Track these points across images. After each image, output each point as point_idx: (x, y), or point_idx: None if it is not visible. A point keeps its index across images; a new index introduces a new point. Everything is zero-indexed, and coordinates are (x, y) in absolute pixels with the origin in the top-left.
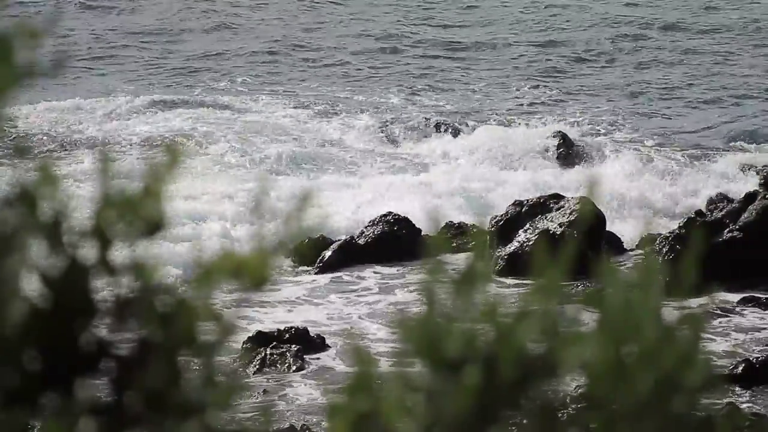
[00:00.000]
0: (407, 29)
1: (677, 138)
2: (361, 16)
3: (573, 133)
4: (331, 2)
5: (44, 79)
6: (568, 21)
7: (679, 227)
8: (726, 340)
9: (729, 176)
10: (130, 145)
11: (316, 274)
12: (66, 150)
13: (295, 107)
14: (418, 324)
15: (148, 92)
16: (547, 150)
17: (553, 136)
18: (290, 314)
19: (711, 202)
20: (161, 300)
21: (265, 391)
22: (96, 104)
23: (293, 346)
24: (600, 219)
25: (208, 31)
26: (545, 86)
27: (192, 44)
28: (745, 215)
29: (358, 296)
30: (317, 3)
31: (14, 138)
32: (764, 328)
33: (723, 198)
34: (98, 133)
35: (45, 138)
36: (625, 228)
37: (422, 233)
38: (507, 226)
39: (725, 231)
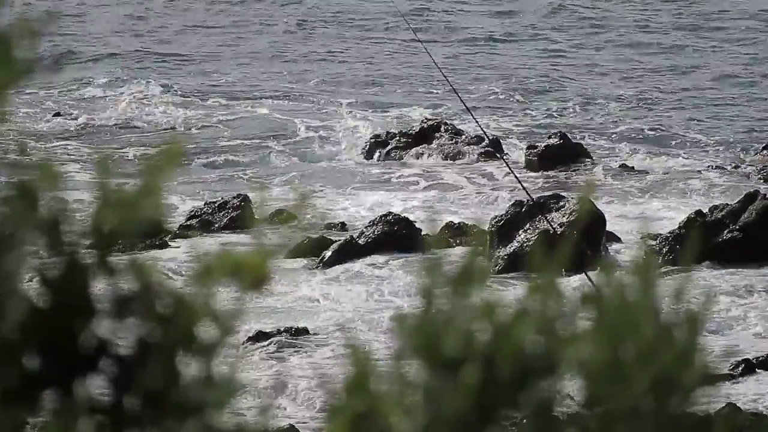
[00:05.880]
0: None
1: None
2: None
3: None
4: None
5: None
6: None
7: (679, 227)
8: (725, 340)
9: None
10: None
11: (316, 273)
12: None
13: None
14: (416, 323)
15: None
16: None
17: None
18: (290, 314)
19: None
20: (160, 300)
21: (264, 391)
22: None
23: (293, 346)
24: (600, 218)
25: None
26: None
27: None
28: (745, 215)
29: (358, 296)
30: None
31: (16, 135)
32: (764, 328)
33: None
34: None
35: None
36: (626, 228)
37: (422, 233)
38: (507, 226)
39: (725, 231)
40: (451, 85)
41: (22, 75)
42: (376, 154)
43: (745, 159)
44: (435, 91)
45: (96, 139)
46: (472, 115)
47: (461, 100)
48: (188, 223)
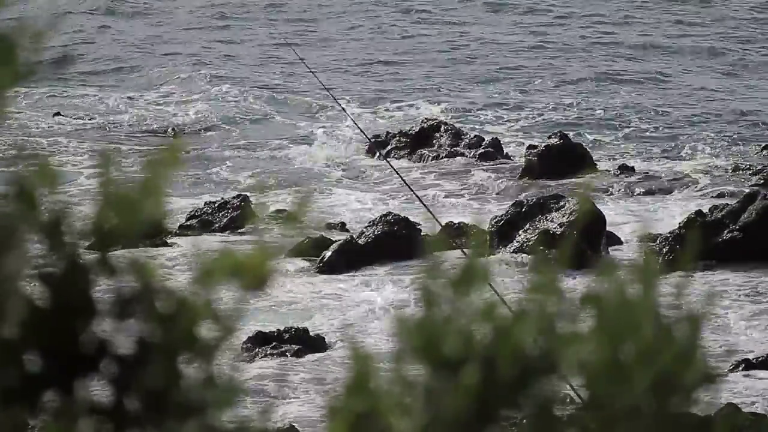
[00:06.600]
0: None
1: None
2: None
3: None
4: None
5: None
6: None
7: (679, 227)
8: (725, 340)
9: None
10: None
11: (316, 273)
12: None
13: None
14: (416, 323)
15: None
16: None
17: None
18: (290, 314)
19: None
20: (161, 300)
21: (264, 391)
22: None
23: (293, 346)
24: (600, 219)
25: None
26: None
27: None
28: (745, 215)
29: (358, 296)
30: None
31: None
32: (764, 328)
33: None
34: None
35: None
36: (626, 228)
37: (422, 233)
38: (507, 226)
39: (725, 231)
40: (324, 87)
41: (25, 76)
42: (377, 155)
43: (745, 159)
44: (435, 90)
45: (96, 139)
46: (351, 119)
47: (336, 101)
48: (188, 223)
